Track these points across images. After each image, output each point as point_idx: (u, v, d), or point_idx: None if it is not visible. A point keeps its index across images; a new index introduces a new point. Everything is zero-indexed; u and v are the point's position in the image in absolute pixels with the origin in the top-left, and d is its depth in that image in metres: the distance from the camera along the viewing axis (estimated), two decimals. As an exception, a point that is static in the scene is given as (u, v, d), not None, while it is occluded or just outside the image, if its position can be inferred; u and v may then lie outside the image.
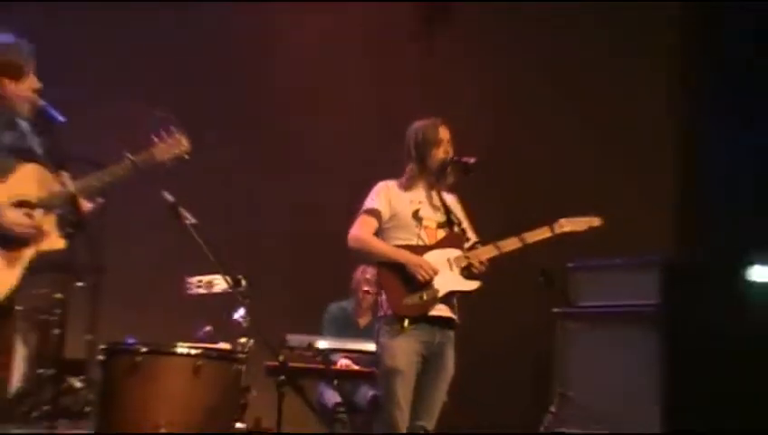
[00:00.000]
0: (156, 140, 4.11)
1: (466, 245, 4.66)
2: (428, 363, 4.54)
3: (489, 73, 7.61)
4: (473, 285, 4.60)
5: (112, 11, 6.91)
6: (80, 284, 6.03)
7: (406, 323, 4.49)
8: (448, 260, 4.59)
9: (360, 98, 7.52)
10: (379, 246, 4.63)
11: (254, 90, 7.36)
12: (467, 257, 4.59)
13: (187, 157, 4.16)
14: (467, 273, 4.59)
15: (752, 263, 6.24)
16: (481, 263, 4.58)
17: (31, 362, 5.80)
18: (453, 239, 4.65)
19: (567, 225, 4.72)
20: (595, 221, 4.78)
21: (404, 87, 7.31)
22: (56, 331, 5.77)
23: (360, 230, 4.63)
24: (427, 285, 4.52)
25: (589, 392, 6.05)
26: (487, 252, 4.60)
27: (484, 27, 7.69)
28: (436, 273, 4.53)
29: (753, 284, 6.22)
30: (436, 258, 4.57)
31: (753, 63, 6.78)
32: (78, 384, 5.93)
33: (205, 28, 7.29)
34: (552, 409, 6.03)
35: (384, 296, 4.62)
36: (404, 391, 4.47)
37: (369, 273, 6.20)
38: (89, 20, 6.91)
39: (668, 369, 5.89)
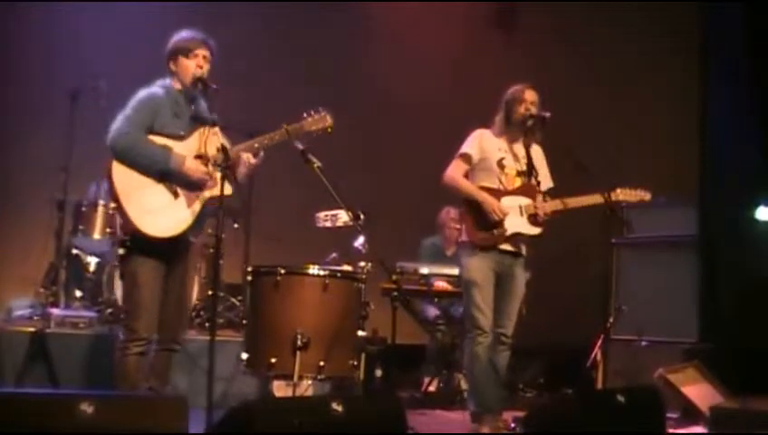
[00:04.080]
0: (306, 115, 4.66)
1: (539, 196, 5.05)
2: (501, 280, 5.01)
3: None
4: (536, 230, 5.04)
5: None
6: (235, 225, 6.85)
7: (478, 251, 5.02)
8: (520, 207, 5.02)
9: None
10: (465, 185, 5.07)
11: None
12: (536, 207, 5.00)
13: (329, 131, 4.67)
14: (533, 220, 5.02)
15: (758, 204, 6.58)
16: (546, 214, 4.98)
17: (202, 285, 6.65)
18: (527, 189, 5.06)
19: (621, 194, 5.09)
20: (646, 196, 5.15)
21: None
22: (220, 262, 6.30)
23: (453, 171, 5.10)
24: (499, 224, 4.99)
25: (639, 307, 6.61)
26: (554, 205, 5.02)
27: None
28: (505, 215, 4.96)
29: (759, 221, 6.59)
30: (509, 203, 5.01)
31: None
32: (237, 302, 6.83)
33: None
34: (611, 320, 6.48)
35: (464, 227, 5.15)
36: (482, 297, 4.94)
37: (453, 213, 6.86)
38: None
39: (703, 287, 6.53)
